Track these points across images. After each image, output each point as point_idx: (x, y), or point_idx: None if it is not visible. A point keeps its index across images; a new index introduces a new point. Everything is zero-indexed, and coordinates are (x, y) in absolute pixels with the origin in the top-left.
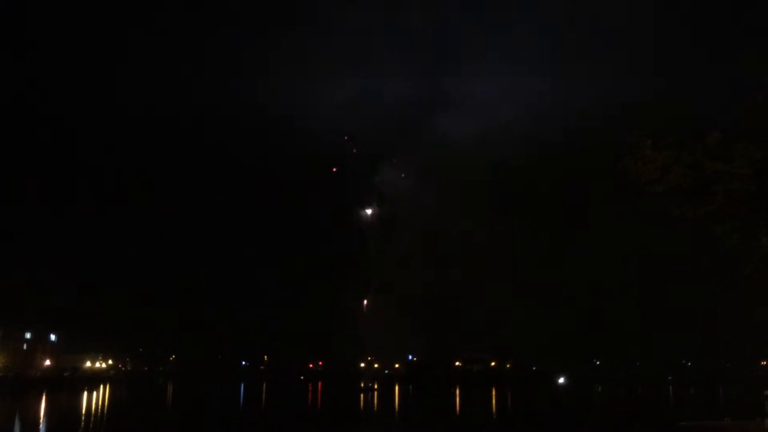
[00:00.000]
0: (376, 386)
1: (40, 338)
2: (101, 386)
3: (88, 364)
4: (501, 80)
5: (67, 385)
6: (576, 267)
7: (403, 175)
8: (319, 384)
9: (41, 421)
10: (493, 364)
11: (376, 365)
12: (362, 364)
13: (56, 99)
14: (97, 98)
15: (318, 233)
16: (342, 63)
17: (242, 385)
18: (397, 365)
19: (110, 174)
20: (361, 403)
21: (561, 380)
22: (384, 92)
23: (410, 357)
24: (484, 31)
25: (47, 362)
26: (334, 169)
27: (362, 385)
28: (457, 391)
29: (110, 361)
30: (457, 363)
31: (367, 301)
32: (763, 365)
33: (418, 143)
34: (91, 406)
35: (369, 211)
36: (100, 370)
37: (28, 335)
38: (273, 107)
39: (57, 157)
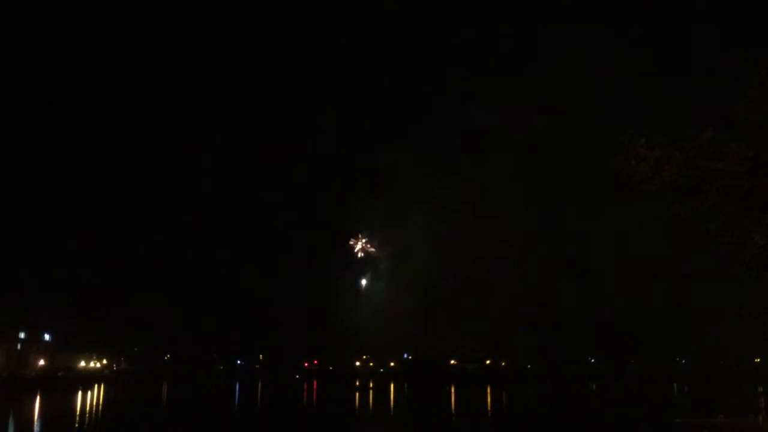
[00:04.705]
0: (371, 385)
1: (35, 338)
2: (96, 386)
3: (83, 363)
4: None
5: (62, 384)
6: (573, 266)
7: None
8: (315, 383)
9: (35, 421)
10: (488, 362)
11: (371, 364)
12: (357, 363)
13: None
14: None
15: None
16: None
17: (237, 385)
18: (392, 363)
19: (106, 174)
20: (357, 401)
21: (556, 379)
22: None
23: (406, 355)
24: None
25: (41, 362)
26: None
27: (358, 383)
28: (453, 390)
29: (105, 361)
30: (452, 361)
31: (364, 299)
32: (756, 362)
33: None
34: (86, 406)
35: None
36: (95, 369)
37: (22, 335)
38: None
39: (52, 155)
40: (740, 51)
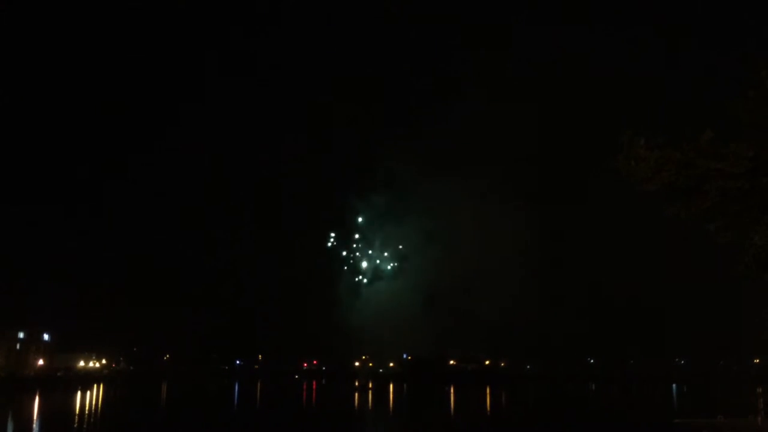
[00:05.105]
0: (370, 385)
1: (34, 338)
2: (95, 386)
3: (82, 363)
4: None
5: (61, 384)
6: (573, 265)
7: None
8: (314, 383)
9: (34, 420)
10: (487, 362)
11: (370, 364)
12: (357, 363)
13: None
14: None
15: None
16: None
17: (236, 385)
18: (391, 364)
19: (106, 174)
20: (356, 401)
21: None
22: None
23: (405, 356)
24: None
25: (40, 362)
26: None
27: (357, 383)
28: (452, 390)
29: (104, 361)
30: (451, 362)
31: (364, 299)
32: (756, 363)
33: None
34: (85, 406)
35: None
36: (94, 369)
37: (21, 335)
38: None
39: (52, 155)
40: (740, 51)
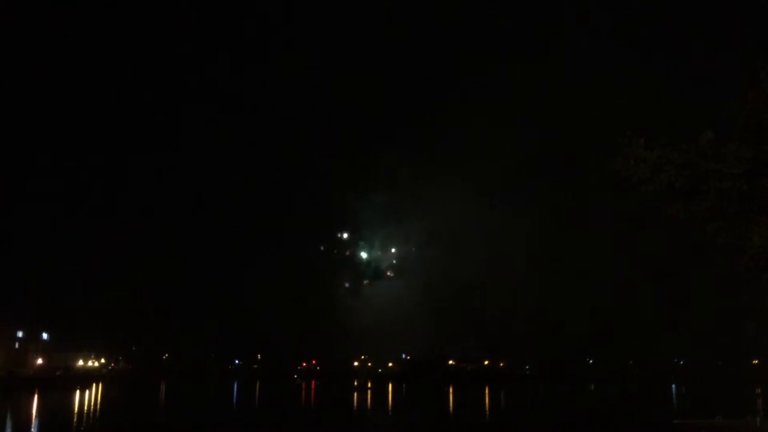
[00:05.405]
0: (369, 385)
1: (33, 337)
2: (94, 385)
3: (81, 362)
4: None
5: (60, 383)
6: (573, 265)
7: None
8: (313, 383)
9: (33, 419)
10: (486, 363)
11: (369, 364)
12: (356, 363)
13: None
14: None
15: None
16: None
17: (235, 384)
18: (390, 364)
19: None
20: (355, 401)
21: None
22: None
23: (404, 356)
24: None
25: (39, 361)
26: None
27: (356, 383)
28: (451, 390)
29: (103, 360)
30: (451, 362)
31: (363, 299)
32: (754, 363)
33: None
34: (84, 405)
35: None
36: (93, 368)
37: (20, 334)
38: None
39: (52, 153)
40: (740, 51)
